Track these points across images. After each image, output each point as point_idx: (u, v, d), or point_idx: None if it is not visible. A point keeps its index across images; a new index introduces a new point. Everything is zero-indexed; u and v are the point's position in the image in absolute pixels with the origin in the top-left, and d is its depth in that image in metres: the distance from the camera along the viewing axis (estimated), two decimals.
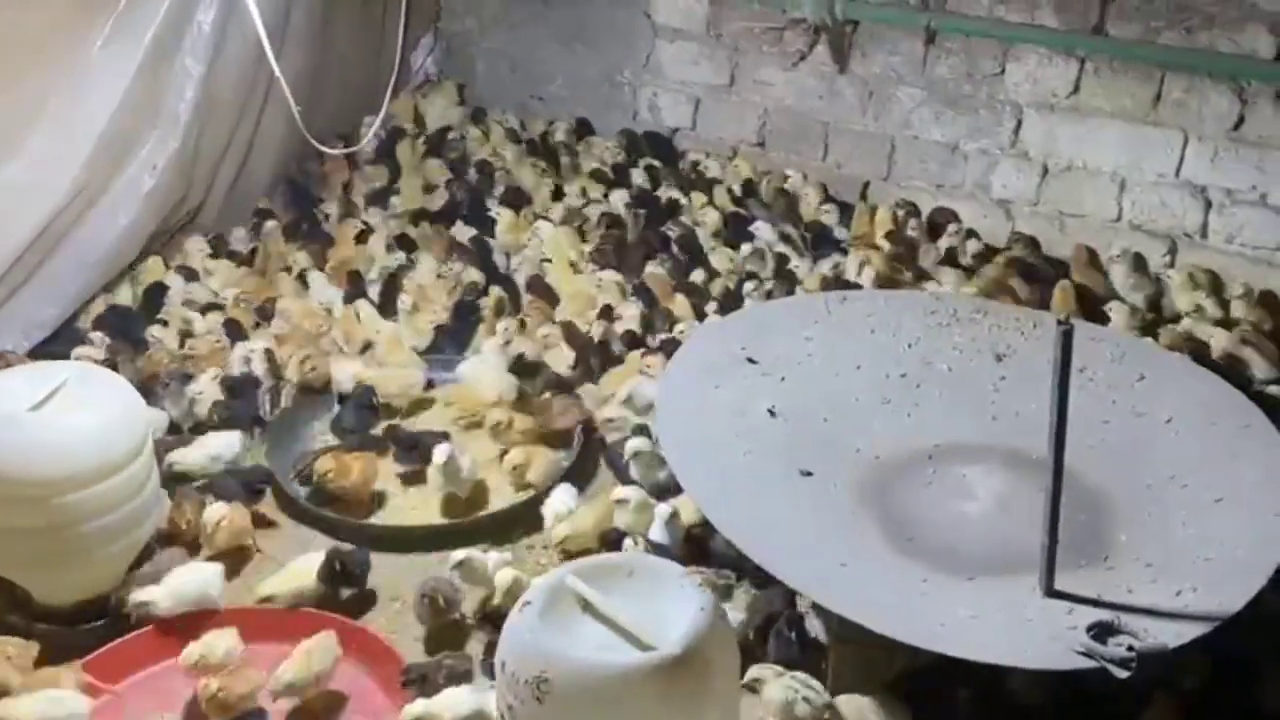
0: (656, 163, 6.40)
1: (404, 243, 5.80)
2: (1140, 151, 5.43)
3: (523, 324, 5.07)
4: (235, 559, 3.97)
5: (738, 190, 6.16)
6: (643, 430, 4.37)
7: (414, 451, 4.36)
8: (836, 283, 5.17)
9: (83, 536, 3.64)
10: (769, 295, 5.14)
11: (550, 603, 2.86)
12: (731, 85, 6.39)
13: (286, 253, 5.73)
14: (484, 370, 4.72)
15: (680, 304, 5.21)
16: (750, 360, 3.97)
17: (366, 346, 5.03)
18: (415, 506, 4.29)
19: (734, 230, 5.83)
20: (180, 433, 4.48)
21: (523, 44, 7.01)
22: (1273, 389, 4.56)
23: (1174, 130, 5.34)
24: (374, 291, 5.43)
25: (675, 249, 5.68)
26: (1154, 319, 5.13)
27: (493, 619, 3.61)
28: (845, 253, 5.58)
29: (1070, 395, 3.01)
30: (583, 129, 6.82)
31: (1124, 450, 3.66)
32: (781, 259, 5.50)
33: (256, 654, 3.55)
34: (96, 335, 5.01)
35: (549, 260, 5.62)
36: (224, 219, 6.02)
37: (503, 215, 5.96)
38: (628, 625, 2.79)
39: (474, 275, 5.47)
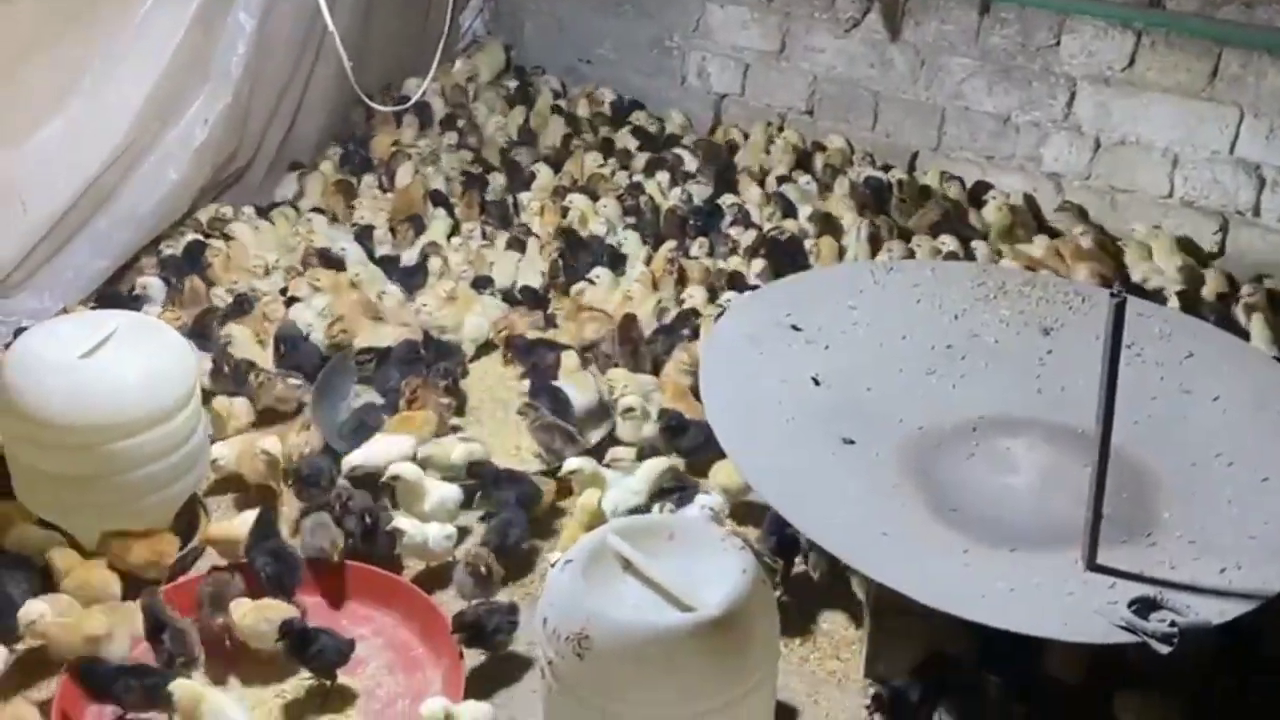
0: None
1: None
2: (1194, 127, 5.37)
3: None
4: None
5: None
6: None
7: None
8: None
9: (131, 484, 3.70)
10: None
11: (592, 561, 2.88)
12: (782, 52, 6.36)
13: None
14: None
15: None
16: (795, 328, 3.96)
17: None
18: None
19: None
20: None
21: (572, 6, 7.01)
22: None
23: (1229, 106, 5.27)
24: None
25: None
26: None
27: None
28: None
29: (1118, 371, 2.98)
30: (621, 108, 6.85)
31: (1170, 427, 3.62)
32: None
33: None
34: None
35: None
36: (271, 178, 6.07)
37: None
38: (668, 586, 2.79)
39: None
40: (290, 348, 4.74)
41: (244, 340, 4.74)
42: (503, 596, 3.71)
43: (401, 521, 3.82)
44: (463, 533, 4.00)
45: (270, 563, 3.63)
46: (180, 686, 3.19)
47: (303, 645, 3.41)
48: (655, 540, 2.95)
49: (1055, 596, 3.00)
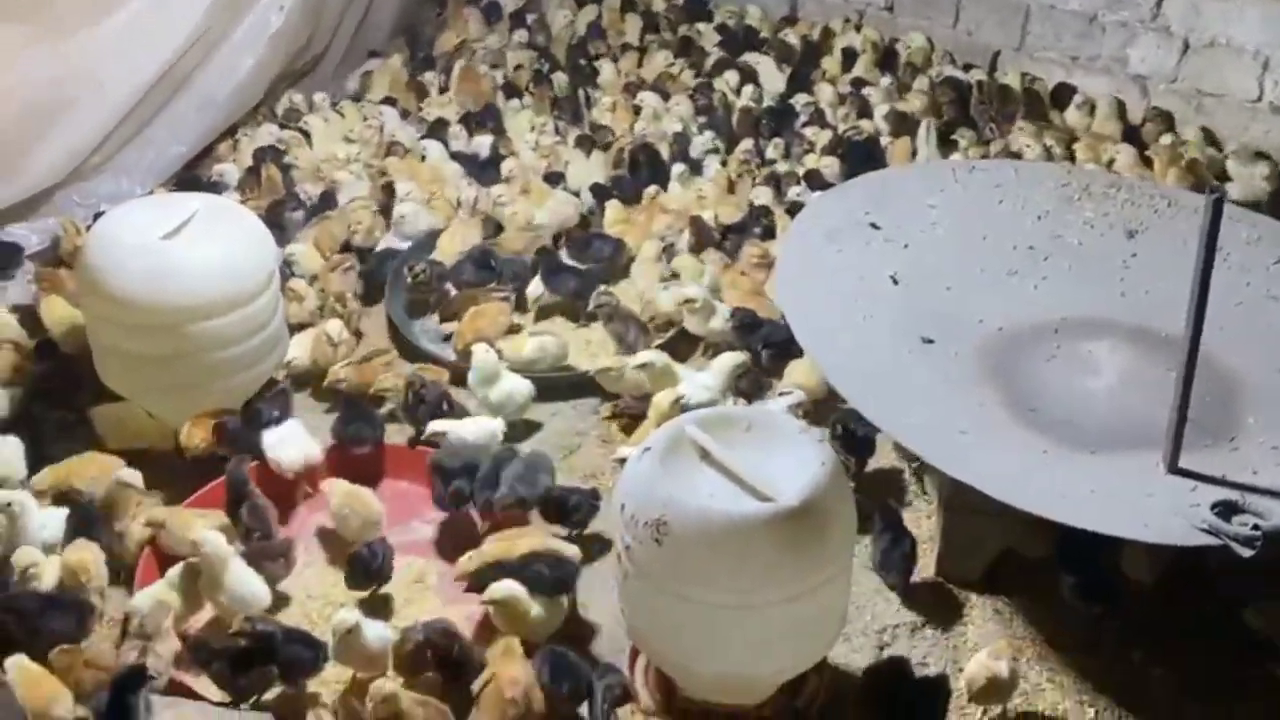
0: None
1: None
2: None
3: None
4: None
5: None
6: None
7: None
8: None
9: (211, 365, 3.73)
10: None
11: (670, 450, 2.86)
12: None
13: None
14: None
15: None
16: (874, 226, 3.91)
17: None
18: None
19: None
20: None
21: None
22: None
23: None
24: None
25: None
26: None
27: None
28: None
29: None
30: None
31: (1256, 333, 3.56)
32: None
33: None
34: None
35: None
36: (344, 68, 6.06)
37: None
38: (746, 476, 2.78)
39: None
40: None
41: (307, 260, 4.69)
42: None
43: (437, 424, 3.82)
44: (532, 427, 4.05)
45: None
46: (210, 541, 3.22)
47: (367, 573, 3.40)
48: (733, 431, 2.93)
49: (1136, 498, 2.97)
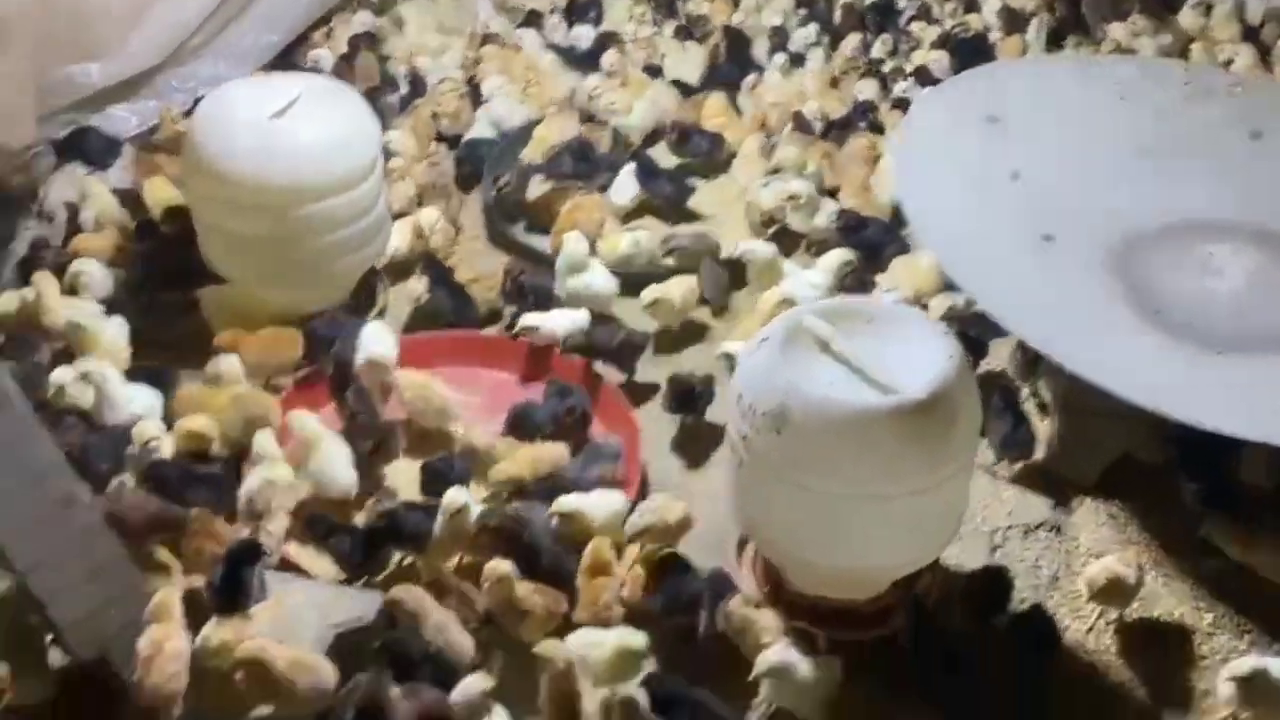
0: None
1: None
2: None
3: None
4: None
5: None
6: None
7: None
8: None
9: (317, 250, 3.70)
10: None
11: (788, 341, 2.79)
12: None
13: None
14: None
15: None
16: (992, 119, 3.80)
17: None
18: None
19: None
20: None
21: None
22: None
23: None
24: None
25: None
26: None
27: None
28: None
29: None
30: None
31: None
32: None
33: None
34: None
35: None
36: None
37: None
38: (867, 368, 2.72)
39: None
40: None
41: (404, 146, 4.64)
42: None
43: (528, 318, 3.77)
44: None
45: None
46: (299, 419, 3.24)
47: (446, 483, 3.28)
48: (853, 323, 2.83)
49: (1266, 399, 2.89)
